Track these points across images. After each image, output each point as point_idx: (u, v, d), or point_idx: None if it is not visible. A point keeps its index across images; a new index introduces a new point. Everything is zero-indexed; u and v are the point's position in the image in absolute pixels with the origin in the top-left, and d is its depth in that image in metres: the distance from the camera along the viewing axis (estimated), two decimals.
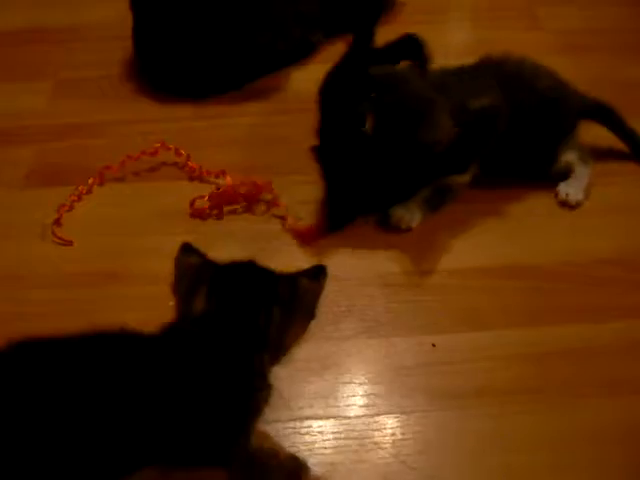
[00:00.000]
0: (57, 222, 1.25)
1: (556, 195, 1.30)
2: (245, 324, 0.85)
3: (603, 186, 1.32)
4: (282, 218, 1.26)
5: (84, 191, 1.31)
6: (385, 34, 1.58)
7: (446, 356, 1.05)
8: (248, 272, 0.90)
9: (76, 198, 1.29)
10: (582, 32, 1.74)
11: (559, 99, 1.31)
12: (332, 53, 1.60)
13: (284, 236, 1.23)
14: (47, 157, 1.41)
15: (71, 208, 1.28)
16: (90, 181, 1.32)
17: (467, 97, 1.22)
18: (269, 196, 1.28)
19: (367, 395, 1.02)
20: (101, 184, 1.33)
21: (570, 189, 1.30)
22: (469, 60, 1.33)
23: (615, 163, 1.37)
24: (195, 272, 0.94)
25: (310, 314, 0.92)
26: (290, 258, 1.17)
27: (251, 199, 1.28)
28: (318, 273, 0.92)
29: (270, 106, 1.51)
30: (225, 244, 1.21)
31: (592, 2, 1.85)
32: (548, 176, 1.32)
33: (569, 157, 1.32)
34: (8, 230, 1.26)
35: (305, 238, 1.22)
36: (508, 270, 1.19)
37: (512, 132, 1.24)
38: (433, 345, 1.07)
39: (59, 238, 1.22)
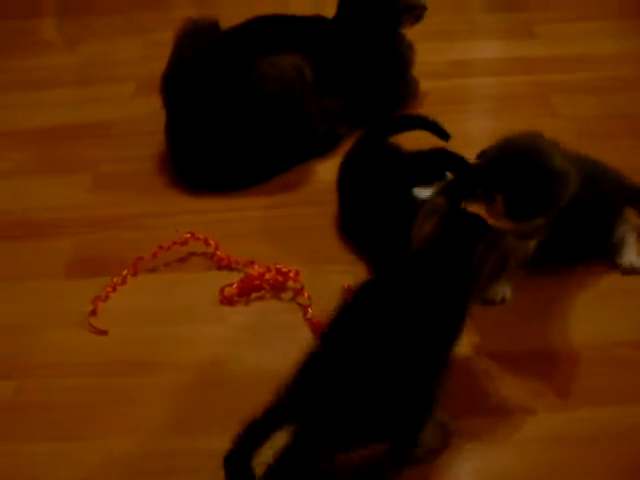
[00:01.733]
0: (93, 312, 1.30)
1: (620, 266, 1.34)
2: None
3: None
4: (304, 307, 1.29)
5: (119, 282, 1.37)
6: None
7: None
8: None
9: (111, 289, 1.35)
10: (598, 118, 1.79)
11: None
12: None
13: (304, 326, 1.27)
14: (86, 248, 1.48)
15: (106, 298, 1.34)
16: (124, 272, 1.38)
17: None
18: (295, 284, 1.33)
19: None
20: (135, 275, 1.39)
21: (632, 257, 1.35)
22: None
23: None
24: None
25: None
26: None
27: (277, 287, 1.33)
28: None
29: (297, 197, 1.57)
30: (251, 332, 1.26)
31: (605, 89, 1.92)
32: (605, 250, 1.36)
33: (621, 230, 1.37)
34: (48, 319, 1.32)
35: (319, 332, 1.24)
36: (530, 355, 1.21)
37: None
38: None
39: (94, 328, 1.28)
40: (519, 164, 1.16)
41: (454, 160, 1.35)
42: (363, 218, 1.39)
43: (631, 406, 1.11)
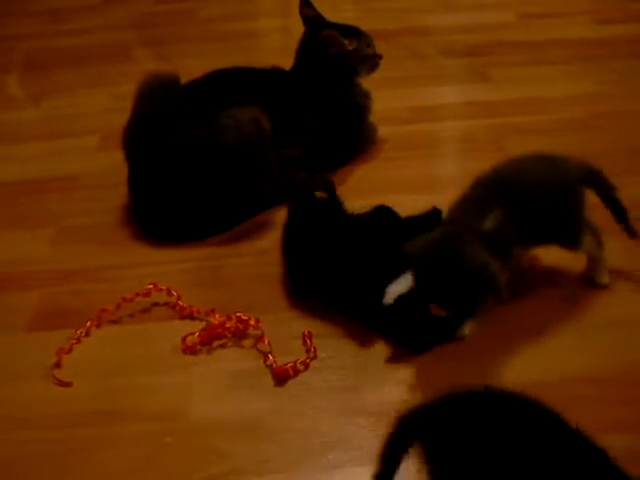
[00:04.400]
0: (57, 364, 1.32)
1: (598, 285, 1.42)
2: None
3: None
4: (265, 354, 1.32)
5: (83, 334, 1.38)
6: (367, 170, 1.70)
7: None
8: None
9: (75, 341, 1.36)
10: None
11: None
12: None
13: (266, 372, 1.30)
14: (50, 301, 1.49)
15: (70, 350, 1.35)
16: (88, 324, 1.39)
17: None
18: (256, 331, 1.35)
19: None
20: (98, 326, 1.40)
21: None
22: (452, 192, 1.39)
23: None
24: None
25: None
26: (270, 393, 1.26)
27: (238, 334, 1.35)
28: None
29: (257, 246, 1.60)
30: (214, 379, 1.29)
31: (558, 130, 1.99)
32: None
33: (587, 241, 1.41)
34: (12, 372, 1.34)
35: (278, 377, 1.28)
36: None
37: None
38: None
39: (58, 380, 1.29)
40: (440, 276, 1.23)
41: (392, 218, 1.39)
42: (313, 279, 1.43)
43: None
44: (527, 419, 0.92)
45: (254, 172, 1.62)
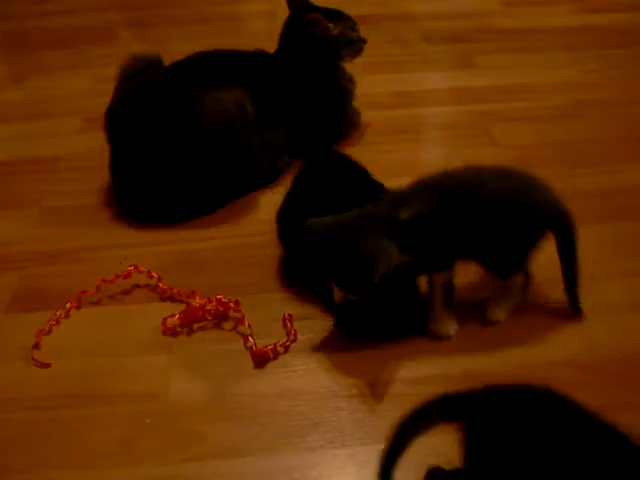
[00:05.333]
0: (36, 346, 1.31)
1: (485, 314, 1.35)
2: None
3: None
4: (245, 336, 1.32)
5: (62, 315, 1.38)
6: (350, 155, 1.69)
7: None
8: None
9: (54, 322, 1.36)
10: (535, 146, 1.86)
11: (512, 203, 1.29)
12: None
13: (245, 354, 1.30)
14: (31, 282, 1.48)
15: (49, 332, 1.35)
16: (68, 305, 1.39)
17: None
18: (236, 314, 1.36)
19: None
20: (78, 308, 1.40)
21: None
22: None
23: None
24: None
25: None
26: (250, 375, 1.26)
27: (218, 317, 1.35)
28: None
29: (239, 229, 1.60)
30: (194, 361, 1.29)
31: (542, 117, 2.00)
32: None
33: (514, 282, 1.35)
34: None
35: (258, 360, 1.28)
36: (467, 377, 1.23)
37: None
38: None
39: (38, 361, 1.29)
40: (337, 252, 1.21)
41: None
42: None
43: None
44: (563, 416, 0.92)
45: (236, 155, 1.61)
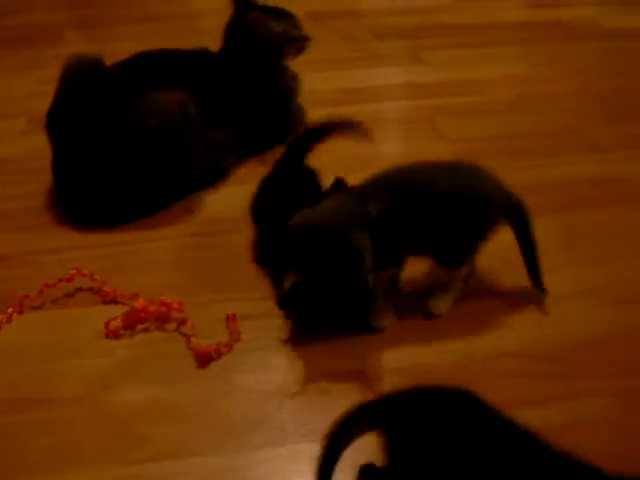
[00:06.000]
0: None
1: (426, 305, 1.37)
2: None
3: None
4: (188, 337, 1.32)
5: (4, 320, 1.36)
6: None
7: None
8: None
9: None
10: (480, 140, 1.89)
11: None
12: (244, 175, 1.73)
13: (188, 355, 1.30)
14: None
15: None
16: (10, 310, 1.38)
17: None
18: (179, 315, 1.35)
19: None
20: (21, 312, 1.39)
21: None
22: None
23: None
24: None
25: None
26: (193, 375, 1.26)
27: (161, 318, 1.35)
28: None
29: (183, 230, 1.59)
30: (137, 363, 1.28)
31: (488, 112, 2.03)
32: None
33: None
34: None
35: (201, 360, 1.28)
36: (413, 370, 1.26)
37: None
38: None
39: None
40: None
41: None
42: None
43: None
44: (480, 420, 0.93)
45: (179, 155, 1.61)
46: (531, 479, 0.85)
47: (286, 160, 1.51)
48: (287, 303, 1.33)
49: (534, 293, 1.40)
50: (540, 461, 0.87)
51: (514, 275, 1.42)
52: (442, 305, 1.37)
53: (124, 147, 1.56)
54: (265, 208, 1.48)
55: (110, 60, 1.74)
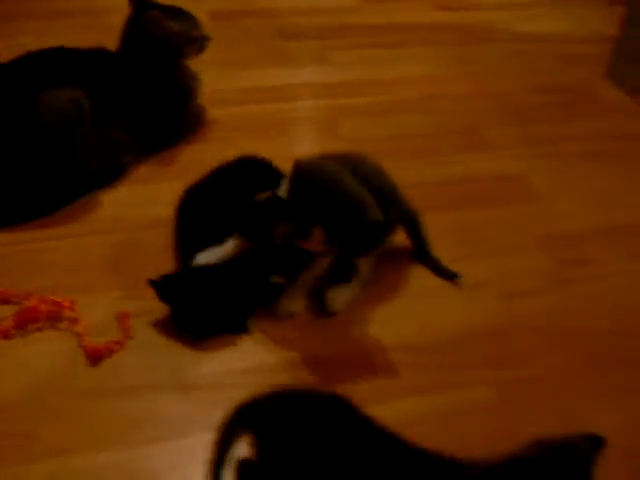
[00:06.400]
0: None
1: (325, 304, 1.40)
2: None
3: None
4: (79, 335, 1.32)
5: None
6: (195, 151, 1.71)
7: None
8: None
9: None
10: (379, 140, 1.94)
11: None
12: (143, 174, 1.73)
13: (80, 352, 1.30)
14: None
15: None
16: None
17: None
18: (71, 314, 1.35)
19: None
20: None
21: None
22: None
23: None
24: None
25: None
26: (84, 373, 1.26)
27: (53, 317, 1.35)
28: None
29: (81, 228, 1.58)
30: (27, 362, 1.28)
31: (390, 111, 2.08)
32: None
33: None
34: None
35: (93, 358, 1.29)
36: (296, 365, 1.30)
37: None
38: None
39: None
40: (328, 197, 1.23)
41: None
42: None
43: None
44: (345, 421, 0.97)
45: (73, 153, 1.60)
46: (391, 475, 0.90)
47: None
48: (162, 288, 1.33)
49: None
50: (399, 458, 0.91)
51: (397, 272, 1.49)
52: (340, 303, 1.40)
53: (17, 145, 1.55)
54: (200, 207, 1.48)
55: (12, 55, 1.72)
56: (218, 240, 1.36)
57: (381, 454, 0.91)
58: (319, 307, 1.41)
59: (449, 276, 1.48)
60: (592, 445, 0.90)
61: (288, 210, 1.27)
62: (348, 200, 1.23)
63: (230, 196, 1.43)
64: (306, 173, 1.27)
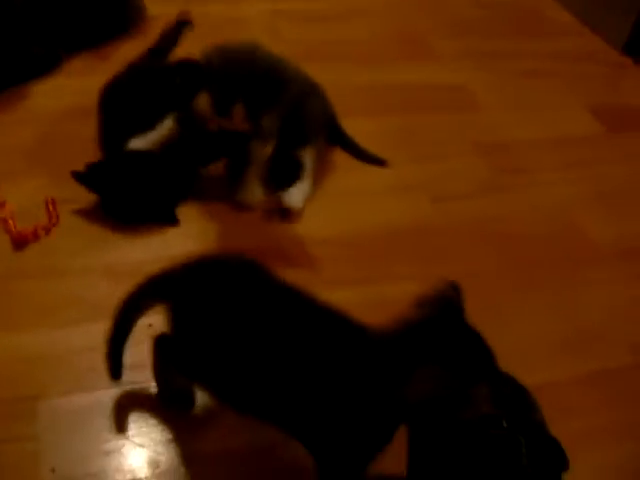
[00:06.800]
0: None
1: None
2: None
3: None
4: (4, 220, 1.30)
5: None
6: (137, 47, 1.67)
7: None
8: None
9: None
10: (319, 43, 1.91)
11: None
12: (78, 67, 1.69)
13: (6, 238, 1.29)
14: None
15: None
16: None
17: None
18: None
19: None
20: None
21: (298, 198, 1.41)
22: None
23: None
24: None
25: None
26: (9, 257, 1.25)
27: None
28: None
29: (8, 118, 1.54)
30: None
31: (323, 18, 2.05)
32: None
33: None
34: None
35: (18, 242, 1.27)
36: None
37: None
38: (150, 325, 1.09)
39: None
40: (245, 72, 1.26)
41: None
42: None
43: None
44: (256, 284, 0.96)
45: (5, 44, 1.54)
46: (303, 334, 0.90)
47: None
48: (87, 177, 1.32)
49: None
50: (307, 317, 0.92)
51: (328, 173, 1.50)
52: (299, 197, 1.39)
53: None
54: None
55: None
56: (147, 125, 1.34)
57: (290, 314, 0.91)
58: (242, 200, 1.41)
59: (374, 161, 1.47)
60: (455, 292, 0.93)
61: (207, 78, 1.27)
62: (267, 73, 1.24)
63: (154, 80, 1.41)
64: (220, 54, 1.29)
